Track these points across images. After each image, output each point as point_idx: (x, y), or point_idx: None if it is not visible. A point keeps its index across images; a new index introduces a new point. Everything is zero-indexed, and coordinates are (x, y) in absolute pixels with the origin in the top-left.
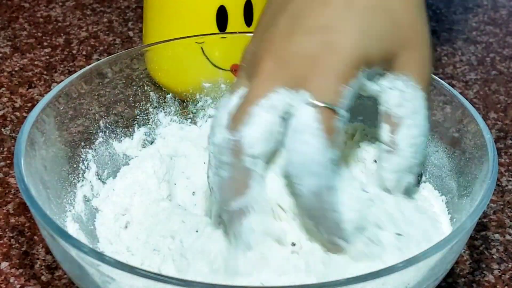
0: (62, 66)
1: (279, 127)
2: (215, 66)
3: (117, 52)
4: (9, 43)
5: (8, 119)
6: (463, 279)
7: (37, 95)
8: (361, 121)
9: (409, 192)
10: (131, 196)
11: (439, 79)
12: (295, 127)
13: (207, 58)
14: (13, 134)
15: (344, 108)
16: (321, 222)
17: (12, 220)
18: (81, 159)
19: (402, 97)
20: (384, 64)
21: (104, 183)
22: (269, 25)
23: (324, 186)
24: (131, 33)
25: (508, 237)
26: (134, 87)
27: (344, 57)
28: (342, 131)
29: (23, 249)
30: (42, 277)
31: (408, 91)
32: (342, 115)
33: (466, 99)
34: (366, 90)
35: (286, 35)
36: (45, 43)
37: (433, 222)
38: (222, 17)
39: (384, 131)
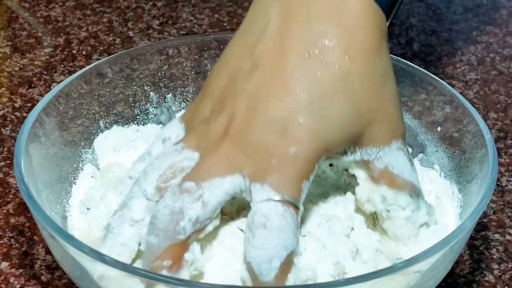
0: (62, 66)
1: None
2: None
3: (117, 52)
4: (9, 43)
5: (8, 119)
6: (463, 279)
7: (37, 95)
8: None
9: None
10: None
11: (439, 79)
12: (258, 222)
13: None
14: (13, 134)
15: (303, 202)
16: None
17: (12, 220)
18: (81, 159)
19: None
20: (350, 144)
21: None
22: (228, 95)
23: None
24: (131, 33)
25: (508, 237)
26: (134, 87)
27: (304, 152)
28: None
29: (23, 249)
30: (42, 277)
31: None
32: (301, 210)
33: (466, 99)
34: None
35: (246, 121)
36: (45, 43)
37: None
38: None
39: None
